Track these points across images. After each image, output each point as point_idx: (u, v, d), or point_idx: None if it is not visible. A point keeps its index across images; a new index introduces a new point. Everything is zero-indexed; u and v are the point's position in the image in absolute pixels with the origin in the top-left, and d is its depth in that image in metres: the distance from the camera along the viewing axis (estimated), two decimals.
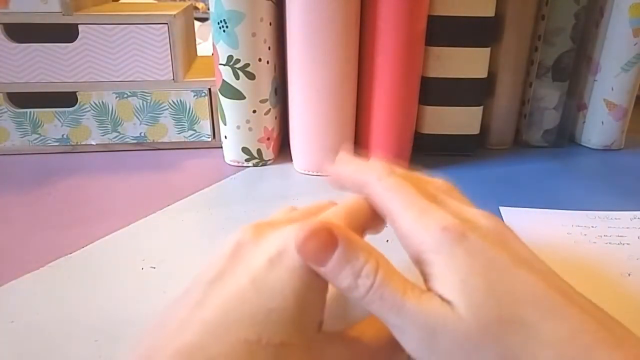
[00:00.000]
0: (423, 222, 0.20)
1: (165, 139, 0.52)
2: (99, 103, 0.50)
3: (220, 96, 0.47)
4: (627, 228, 0.38)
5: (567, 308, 0.18)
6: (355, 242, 0.20)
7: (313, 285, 0.20)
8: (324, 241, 0.20)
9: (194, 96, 0.51)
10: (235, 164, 0.50)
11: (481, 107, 0.50)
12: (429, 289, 0.19)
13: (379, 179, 0.23)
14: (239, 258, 0.21)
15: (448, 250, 0.19)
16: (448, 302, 0.18)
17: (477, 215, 0.21)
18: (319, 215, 0.23)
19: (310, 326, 0.20)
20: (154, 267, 0.33)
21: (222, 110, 0.48)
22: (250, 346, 0.18)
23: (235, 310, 0.19)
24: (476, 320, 0.18)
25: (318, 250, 0.20)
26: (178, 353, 0.18)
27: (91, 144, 0.52)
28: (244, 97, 0.46)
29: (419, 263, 0.20)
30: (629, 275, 0.32)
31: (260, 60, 0.45)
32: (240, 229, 0.22)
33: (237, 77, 0.45)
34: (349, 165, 0.25)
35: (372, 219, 0.23)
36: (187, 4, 0.60)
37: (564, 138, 0.56)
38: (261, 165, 0.50)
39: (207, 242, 0.36)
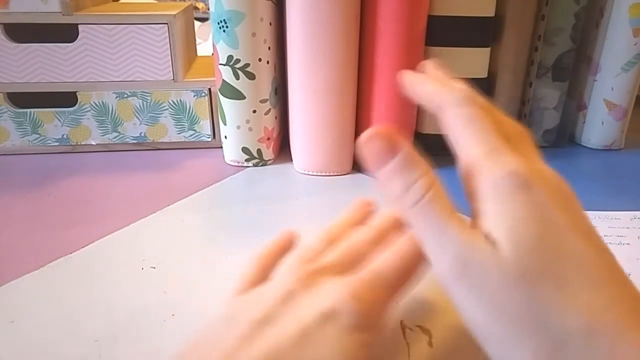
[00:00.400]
0: (491, 160, 0.20)
1: (165, 139, 0.52)
2: (99, 103, 0.50)
3: (220, 96, 0.47)
4: (627, 228, 0.38)
5: (609, 285, 0.18)
6: (415, 158, 0.21)
7: (360, 343, 0.20)
8: (387, 145, 0.20)
9: (194, 96, 0.51)
10: (236, 164, 0.50)
11: None
12: (476, 225, 0.20)
13: (457, 105, 0.22)
14: (289, 306, 0.21)
15: (509, 195, 0.19)
16: (492, 241, 0.18)
17: (546, 171, 0.20)
18: (362, 259, 0.23)
19: None
20: (154, 267, 0.33)
21: (222, 110, 0.48)
22: None
23: (286, 353, 0.19)
24: (517, 265, 0.18)
25: (379, 151, 0.20)
26: None
27: (91, 144, 0.52)
28: (244, 97, 0.46)
29: (473, 197, 0.20)
30: (629, 275, 0.32)
31: (260, 60, 0.45)
32: (292, 276, 0.22)
33: (237, 77, 0.45)
34: (429, 81, 0.24)
35: (421, 262, 0.23)
36: (187, 4, 0.60)
37: (564, 138, 0.56)
38: (261, 165, 0.50)
39: (207, 242, 0.36)
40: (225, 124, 0.48)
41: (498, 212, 0.19)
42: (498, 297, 0.18)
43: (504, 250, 0.18)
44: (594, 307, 0.17)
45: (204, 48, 0.90)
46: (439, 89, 0.23)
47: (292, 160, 0.50)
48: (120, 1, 0.66)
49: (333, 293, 0.21)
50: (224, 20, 0.43)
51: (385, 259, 0.23)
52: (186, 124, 0.52)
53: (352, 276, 0.22)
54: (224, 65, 0.45)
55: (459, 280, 0.19)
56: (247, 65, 0.45)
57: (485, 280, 0.18)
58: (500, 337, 0.18)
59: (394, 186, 0.20)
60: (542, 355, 0.17)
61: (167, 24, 0.48)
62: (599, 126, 0.54)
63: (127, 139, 0.52)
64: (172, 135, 0.52)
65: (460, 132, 0.22)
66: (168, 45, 0.49)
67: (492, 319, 0.18)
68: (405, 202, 0.20)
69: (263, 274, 0.24)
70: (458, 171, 0.22)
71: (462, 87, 0.23)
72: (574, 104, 0.56)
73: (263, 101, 0.47)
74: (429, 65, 0.26)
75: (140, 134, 0.52)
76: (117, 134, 0.52)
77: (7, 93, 0.49)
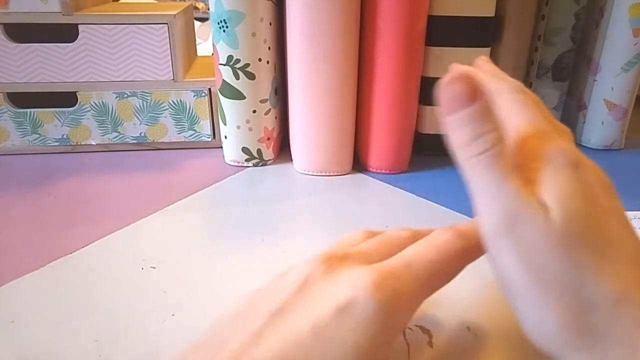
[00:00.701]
0: (542, 138, 0.21)
1: (165, 139, 0.52)
2: (99, 103, 0.50)
3: (220, 96, 0.47)
4: None
5: None
6: (490, 111, 0.20)
7: (377, 342, 0.19)
8: (469, 90, 0.20)
9: (194, 96, 0.51)
10: (235, 164, 0.50)
11: None
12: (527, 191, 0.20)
13: (514, 91, 0.23)
14: (305, 296, 0.20)
15: (561, 168, 0.20)
16: (543, 204, 0.19)
17: (591, 161, 0.21)
18: (394, 251, 0.22)
19: None
20: (154, 267, 0.33)
21: (222, 110, 0.48)
22: None
23: (291, 356, 0.18)
24: (563, 229, 0.19)
25: (460, 95, 0.20)
26: None
27: (91, 144, 0.52)
28: (244, 97, 0.46)
29: (523, 168, 0.21)
30: None
31: (260, 60, 0.45)
32: (311, 262, 0.21)
33: (237, 77, 0.45)
34: (483, 72, 0.25)
35: (460, 259, 0.22)
36: (187, 4, 0.60)
37: None
38: (261, 165, 0.50)
39: (207, 242, 0.36)
40: (225, 124, 0.48)
41: (549, 181, 0.20)
42: (539, 256, 0.19)
43: (553, 214, 0.19)
44: (626, 280, 0.18)
45: (204, 48, 0.90)
46: (492, 77, 0.24)
47: (292, 160, 0.50)
48: (120, 1, 0.66)
49: (353, 281, 0.19)
50: (224, 20, 0.43)
51: (417, 249, 0.22)
52: (186, 124, 0.52)
53: (377, 264, 0.21)
54: (224, 65, 0.45)
55: (504, 234, 0.19)
56: (247, 65, 0.45)
57: (529, 238, 0.19)
58: (532, 295, 0.19)
59: (464, 133, 0.20)
60: (569, 316, 0.18)
61: (167, 24, 0.48)
62: (599, 126, 0.54)
63: (127, 139, 0.52)
64: (172, 135, 0.52)
65: (514, 113, 0.22)
66: (168, 45, 0.49)
67: (528, 276, 0.19)
68: (471, 151, 0.20)
69: None
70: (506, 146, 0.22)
71: (515, 81, 0.24)
72: (574, 104, 0.56)
73: (263, 101, 0.47)
74: (481, 59, 0.27)
75: (140, 134, 0.52)
76: (117, 134, 0.52)
77: (7, 93, 0.49)
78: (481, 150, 0.20)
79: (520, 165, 0.21)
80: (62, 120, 0.50)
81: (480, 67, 0.26)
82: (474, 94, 0.20)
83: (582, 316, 0.18)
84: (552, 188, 0.19)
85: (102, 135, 0.51)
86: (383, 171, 0.48)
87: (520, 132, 0.22)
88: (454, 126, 0.20)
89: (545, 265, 0.19)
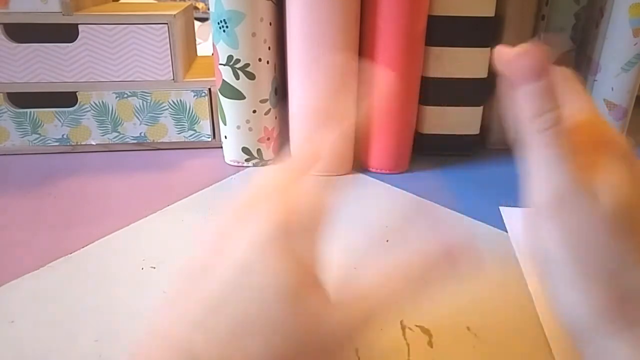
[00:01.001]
0: (596, 127, 0.22)
1: (165, 139, 0.52)
2: (99, 103, 0.50)
3: (220, 96, 0.47)
4: None
5: None
6: (555, 89, 0.21)
7: (304, 263, 0.20)
8: (538, 66, 0.20)
9: (194, 96, 0.51)
10: (235, 164, 0.50)
11: (481, 107, 0.50)
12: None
13: (563, 79, 0.24)
14: (221, 252, 0.20)
15: (613, 158, 0.21)
16: (595, 188, 0.20)
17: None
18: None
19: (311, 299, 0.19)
20: (154, 267, 0.33)
21: (222, 110, 0.48)
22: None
23: (227, 301, 0.18)
24: (612, 217, 0.19)
25: (529, 69, 0.20)
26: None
27: (91, 144, 0.52)
28: (244, 97, 0.46)
29: (578, 152, 0.21)
30: None
31: (260, 60, 0.45)
32: (220, 218, 0.21)
33: (237, 77, 0.45)
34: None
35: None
36: (187, 4, 0.60)
37: None
38: (261, 165, 0.50)
39: None
40: (225, 124, 0.48)
41: (603, 170, 0.20)
42: (583, 239, 0.19)
43: (603, 202, 0.19)
44: None
45: (204, 48, 0.90)
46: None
47: None
48: (120, 1, 0.66)
49: (258, 216, 0.20)
50: (224, 20, 0.43)
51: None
52: (186, 124, 0.52)
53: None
54: (224, 65, 0.45)
55: (553, 212, 0.20)
56: (247, 65, 0.45)
57: (577, 220, 0.19)
58: (568, 275, 0.19)
59: (529, 107, 0.21)
60: (603, 301, 0.19)
61: (167, 24, 0.48)
62: None
63: (127, 139, 0.52)
64: (172, 135, 0.52)
65: (567, 101, 0.23)
66: (168, 45, 0.49)
67: (569, 255, 0.19)
68: (534, 126, 0.20)
69: None
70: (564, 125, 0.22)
71: (566, 68, 0.24)
72: None
73: (263, 101, 0.47)
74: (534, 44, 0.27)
75: (140, 134, 0.52)
76: (117, 134, 0.52)
77: (7, 93, 0.49)
78: (545, 127, 0.20)
79: (576, 149, 0.21)
80: (62, 120, 0.50)
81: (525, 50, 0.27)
82: (544, 70, 0.20)
83: (617, 302, 0.19)
84: (606, 176, 0.20)
85: (102, 135, 0.51)
86: (383, 171, 0.48)
87: (573, 119, 0.22)
88: (521, 99, 0.21)
89: (588, 249, 0.19)
